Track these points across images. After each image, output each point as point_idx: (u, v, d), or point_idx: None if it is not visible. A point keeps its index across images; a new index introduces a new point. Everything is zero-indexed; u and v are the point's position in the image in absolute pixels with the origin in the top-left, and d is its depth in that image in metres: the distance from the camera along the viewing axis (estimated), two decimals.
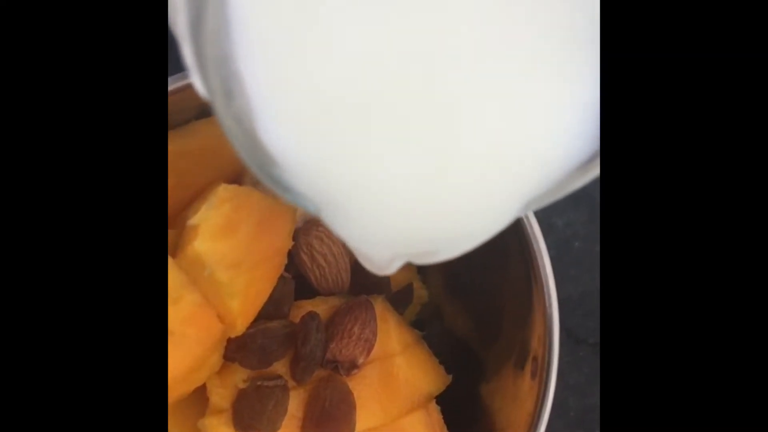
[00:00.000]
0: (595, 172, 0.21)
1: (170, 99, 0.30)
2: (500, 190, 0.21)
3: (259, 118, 0.19)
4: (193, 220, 0.30)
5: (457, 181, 0.20)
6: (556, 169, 0.21)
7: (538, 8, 0.19)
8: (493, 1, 0.18)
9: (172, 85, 0.30)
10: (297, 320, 0.35)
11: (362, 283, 0.38)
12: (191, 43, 0.17)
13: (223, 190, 0.31)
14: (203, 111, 0.33)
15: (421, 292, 0.43)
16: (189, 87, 0.30)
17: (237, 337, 0.33)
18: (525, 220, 0.34)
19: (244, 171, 0.35)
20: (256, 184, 0.33)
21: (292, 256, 0.36)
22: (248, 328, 0.33)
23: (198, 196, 0.34)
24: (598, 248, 0.49)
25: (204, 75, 0.18)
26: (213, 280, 0.30)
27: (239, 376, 0.34)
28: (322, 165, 0.20)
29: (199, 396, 0.34)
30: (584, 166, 0.21)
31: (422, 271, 0.43)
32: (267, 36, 0.18)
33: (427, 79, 0.18)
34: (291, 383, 0.35)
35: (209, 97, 0.18)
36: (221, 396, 0.34)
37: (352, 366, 0.35)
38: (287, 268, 0.35)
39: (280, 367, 0.35)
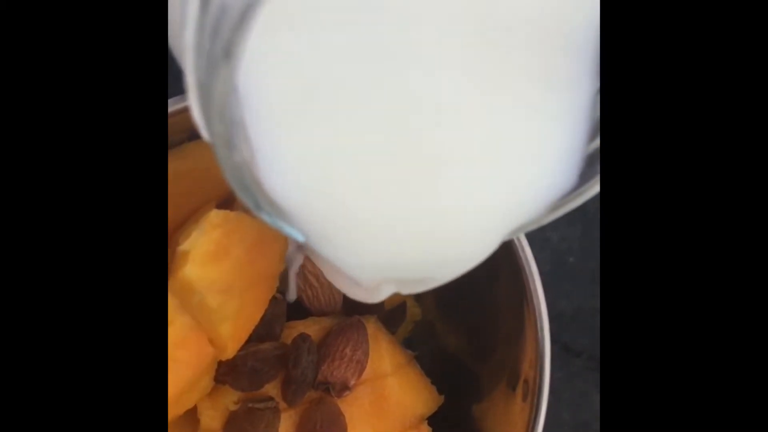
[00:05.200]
0: (581, 198, 0.23)
1: None
2: (484, 225, 0.23)
3: (262, 168, 0.20)
4: (183, 246, 0.30)
5: (441, 217, 0.22)
6: (538, 201, 0.23)
7: (516, 52, 0.20)
8: (472, 53, 0.19)
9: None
10: (289, 341, 0.35)
11: (355, 302, 0.38)
12: (198, 97, 0.18)
13: (215, 216, 0.30)
14: (195, 133, 0.33)
15: (414, 310, 0.42)
16: (182, 111, 0.31)
17: (228, 360, 0.33)
18: (516, 241, 0.34)
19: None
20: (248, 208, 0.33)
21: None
22: (239, 350, 0.33)
23: (190, 216, 0.34)
24: (592, 263, 0.49)
25: (209, 125, 0.18)
26: (204, 306, 0.30)
27: (230, 398, 0.34)
28: (318, 205, 0.21)
29: (190, 418, 0.34)
30: (569, 194, 0.23)
31: None
32: (273, 102, 0.19)
33: (413, 127, 0.20)
34: (282, 405, 0.35)
35: (212, 143, 0.19)
36: (212, 418, 0.34)
37: (344, 388, 0.35)
38: (279, 289, 0.35)
39: (272, 389, 0.35)
